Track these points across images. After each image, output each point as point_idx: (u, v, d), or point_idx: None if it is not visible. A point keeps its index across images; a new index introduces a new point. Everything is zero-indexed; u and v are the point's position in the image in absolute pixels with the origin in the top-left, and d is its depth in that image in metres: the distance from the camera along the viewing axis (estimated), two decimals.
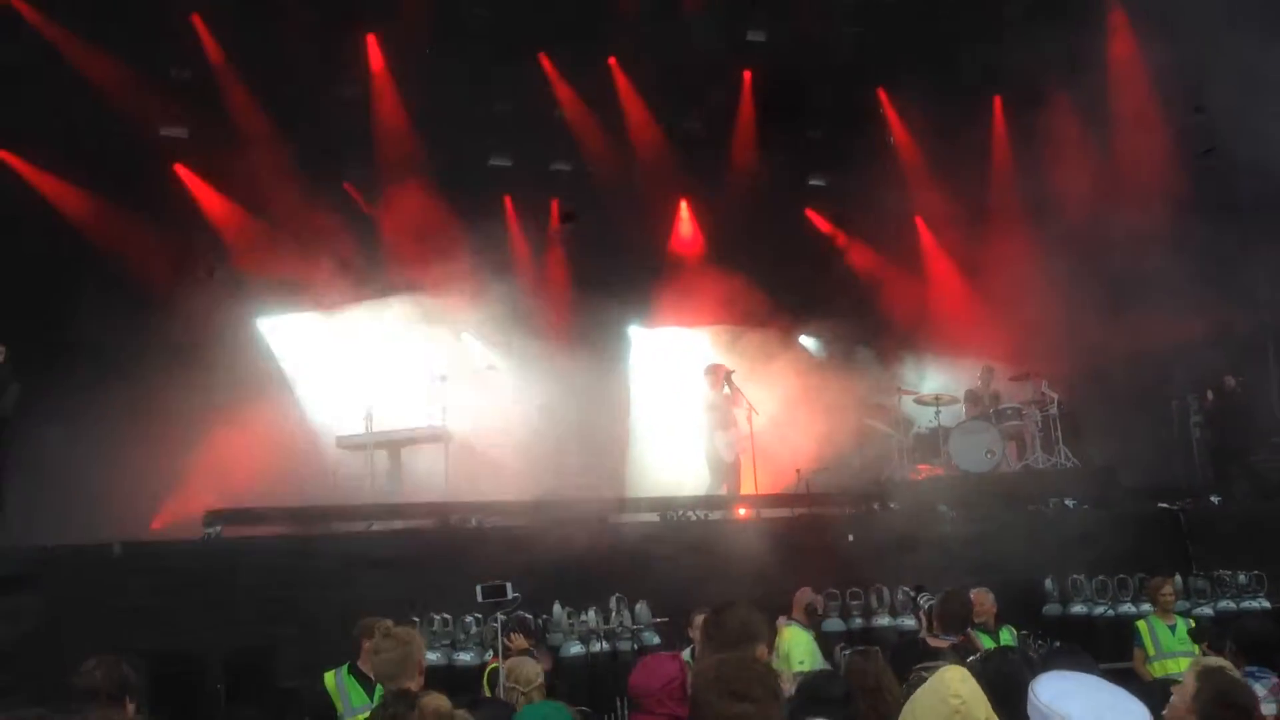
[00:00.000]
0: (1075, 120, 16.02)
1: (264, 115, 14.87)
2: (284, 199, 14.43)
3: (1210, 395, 14.87)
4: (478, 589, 7.68)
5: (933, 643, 7.04)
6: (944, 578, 10.18)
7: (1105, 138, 15.99)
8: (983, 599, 8.88)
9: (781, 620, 8.64)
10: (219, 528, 10.29)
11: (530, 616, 9.14)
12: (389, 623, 6.65)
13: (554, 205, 16.94)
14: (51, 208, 13.99)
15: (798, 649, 8.45)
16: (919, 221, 18.28)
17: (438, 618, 9.31)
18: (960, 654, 6.04)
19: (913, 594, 8.17)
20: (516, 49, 15.99)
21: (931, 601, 7.69)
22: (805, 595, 9.20)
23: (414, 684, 5.02)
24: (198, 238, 14.55)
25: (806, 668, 7.88)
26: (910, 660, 5.30)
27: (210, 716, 8.09)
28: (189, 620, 8.54)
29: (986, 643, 8.31)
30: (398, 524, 11.30)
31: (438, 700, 4.41)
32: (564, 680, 8.33)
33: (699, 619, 8.07)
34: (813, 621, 9.14)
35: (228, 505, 11.08)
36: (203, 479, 13.05)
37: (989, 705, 3.84)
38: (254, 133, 14.80)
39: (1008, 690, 4.01)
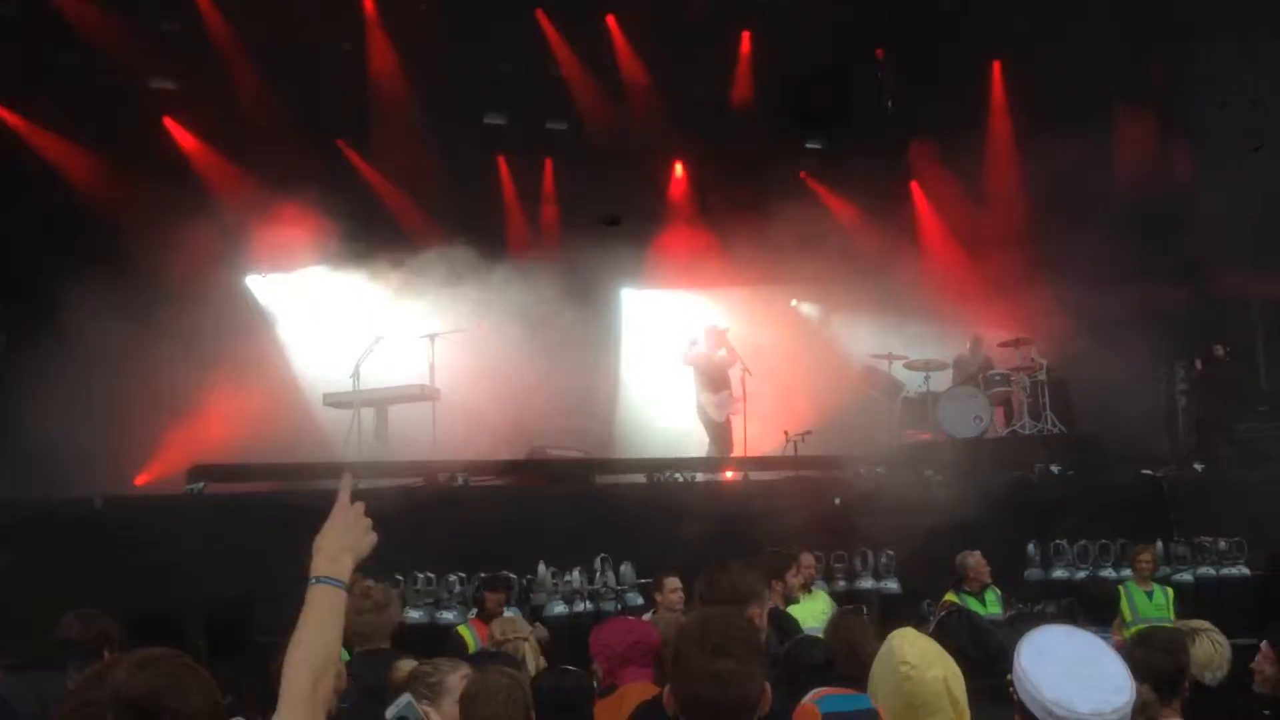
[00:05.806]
0: (1074, 89, 15.94)
1: (255, 67, 14.72)
2: (275, 153, 14.33)
3: (1198, 363, 14.85)
4: None
5: None
6: (929, 542, 10.26)
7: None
8: (976, 561, 8.92)
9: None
10: (203, 483, 10.28)
11: (513, 576, 9.18)
12: (369, 582, 6.57)
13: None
14: (39, 159, 13.82)
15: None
16: (914, 186, 18.16)
17: (421, 576, 9.32)
18: None
19: None
20: (513, 5, 15.83)
21: None
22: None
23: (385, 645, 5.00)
24: (186, 191, 14.40)
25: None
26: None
27: None
28: (170, 574, 8.53)
29: (973, 605, 8.40)
30: (384, 482, 11.30)
31: (408, 664, 4.38)
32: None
33: (668, 581, 8.08)
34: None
35: (212, 462, 11.06)
36: (189, 436, 13.02)
37: (946, 661, 3.87)
38: (245, 85, 14.67)
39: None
